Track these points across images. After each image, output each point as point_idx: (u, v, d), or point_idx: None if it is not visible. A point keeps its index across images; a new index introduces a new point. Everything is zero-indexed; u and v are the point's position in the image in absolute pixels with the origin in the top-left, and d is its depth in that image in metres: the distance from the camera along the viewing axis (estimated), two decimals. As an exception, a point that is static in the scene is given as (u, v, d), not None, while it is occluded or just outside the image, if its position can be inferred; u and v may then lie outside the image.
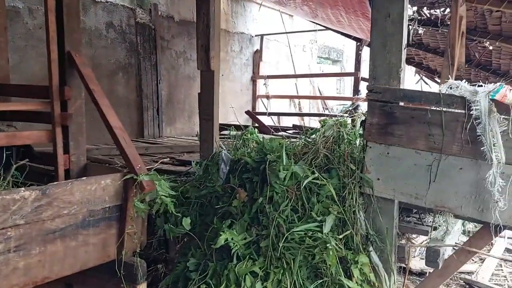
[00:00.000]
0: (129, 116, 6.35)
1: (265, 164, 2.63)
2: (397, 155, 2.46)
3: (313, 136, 2.84)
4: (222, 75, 5.95)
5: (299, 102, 10.00)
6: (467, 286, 4.26)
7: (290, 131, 6.95)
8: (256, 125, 7.23)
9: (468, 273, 4.53)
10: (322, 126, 2.82)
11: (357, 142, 2.72)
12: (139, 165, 2.53)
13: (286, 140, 3.03)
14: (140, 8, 6.34)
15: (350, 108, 7.52)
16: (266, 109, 8.91)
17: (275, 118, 8.97)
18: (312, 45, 10.63)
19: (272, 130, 6.66)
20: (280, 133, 6.68)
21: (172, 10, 6.89)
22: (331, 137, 2.73)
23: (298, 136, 5.86)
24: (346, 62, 12.00)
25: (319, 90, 10.51)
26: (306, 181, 2.45)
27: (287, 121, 8.84)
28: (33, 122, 3.10)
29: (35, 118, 3.02)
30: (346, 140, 2.70)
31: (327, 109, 10.34)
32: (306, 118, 9.41)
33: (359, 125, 2.72)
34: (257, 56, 9.01)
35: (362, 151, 2.60)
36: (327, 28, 7.76)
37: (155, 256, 3.73)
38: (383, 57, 2.50)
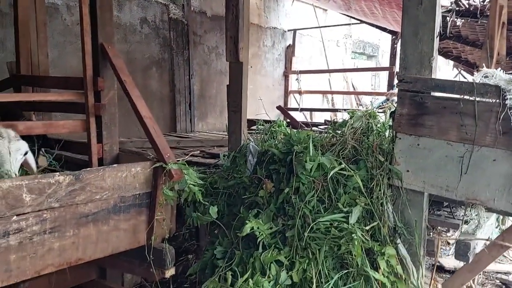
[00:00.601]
0: (162, 110, 6.48)
1: (292, 155, 2.63)
2: (427, 146, 2.40)
3: (342, 128, 2.81)
4: (251, 66, 5.96)
5: (332, 97, 9.91)
6: (504, 286, 4.11)
7: (322, 127, 6.89)
8: (288, 120, 7.22)
9: (505, 273, 4.37)
10: (350, 117, 2.79)
11: (386, 133, 2.67)
12: (168, 154, 2.58)
13: (314, 132, 3.02)
14: (173, 4, 6.44)
15: (384, 104, 7.38)
16: (298, 105, 8.87)
17: (307, 113, 8.91)
18: (346, 40, 10.49)
19: (303, 125, 6.62)
20: (313, 128, 6.63)
21: (204, 6, 6.97)
22: (360, 129, 2.70)
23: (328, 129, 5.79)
24: (382, 57, 11.76)
25: (353, 85, 10.37)
26: (332, 172, 2.43)
27: (319, 117, 8.77)
28: (68, 112, 3.22)
29: (70, 109, 3.13)
30: (375, 131, 2.66)
31: (361, 104, 10.18)
32: (339, 113, 9.30)
33: (389, 116, 2.67)
34: (290, 51, 8.97)
35: (391, 143, 2.55)
36: (361, 22, 7.63)
37: (186, 246, 3.81)
38: (414, 46, 2.44)
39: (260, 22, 8.23)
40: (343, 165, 2.46)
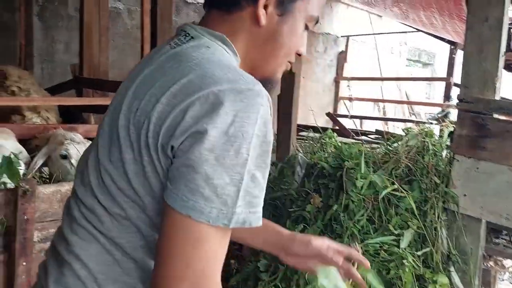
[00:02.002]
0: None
1: (342, 170, 2.58)
2: (487, 171, 2.28)
3: (395, 144, 2.72)
4: (303, 77, 5.94)
5: (383, 105, 9.67)
6: None
7: (372, 136, 6.73)
8: (337, 127, 7.11)
9: None
10: (405, 135, 2.70)
11: (443, 154, 2.56)
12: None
13: (366, 147, 2.95)
14: (228, 9, 6.53)
15: (439, 116, 7.11)
16: (348, 112, 8.72)
17: (357, 121, 8.75)
18: (401, 47, 10.21)
19: (352, 134, 6.50)
20: (361, 137, 6.50)
21: (259, 11, 7.00)
22: (415, 147, 2.60)
23: (380, 142, 5.66)
24: (438, 66, 11.34)
25: (406, 94, 10.07)
26: (384, 192, 2.36)
27: (370, 125, 8.59)
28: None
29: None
30: (431, 151, 2.56)
31: (413, 114, 9.87)
32: (390, 123, 9.05)
33: (447, 135, 2.56)
34: (342, 57, 8.85)
35: (448, 164, 2.44)
36: (418, 30, 7.39)
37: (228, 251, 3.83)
38: (478, 64, 2.33)
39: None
40: (395, 186, 2.39)
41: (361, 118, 8.63)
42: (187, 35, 0.90)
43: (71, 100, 3.20)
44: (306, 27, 0.99)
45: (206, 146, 0.73)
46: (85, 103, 3.23)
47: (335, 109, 8.83)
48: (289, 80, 3.28)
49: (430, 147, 2.58)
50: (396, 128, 9.28)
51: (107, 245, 0.87)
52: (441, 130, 2.73)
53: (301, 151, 3.18)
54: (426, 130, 2.65)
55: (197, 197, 0.73)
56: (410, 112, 9.81)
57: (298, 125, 3.76)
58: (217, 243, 0.77)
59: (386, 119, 9.02)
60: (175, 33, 0.95)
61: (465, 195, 2.35)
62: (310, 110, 4.72)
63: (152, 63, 0.89)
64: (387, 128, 9.06)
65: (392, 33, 8.89)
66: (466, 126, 2.36)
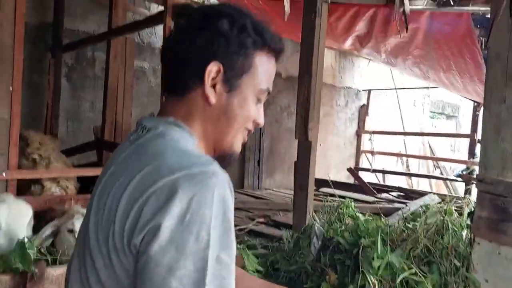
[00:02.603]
0: (232, 167, 6.60)
1: (359, 248, 2.51)
2: (509, 257, 2.17)
3: (414, 222, 2.65)
4: (320, 145, 5.93)
5: (407, 159, 9.52)
6: None
7: (394, 193, 6.60)
8: (357, 182, 7.02)
9: None
10: (424, 212, 2.63)
11: (463, 234, 2.47)
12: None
13: (383, 221, 2.87)
14: (249, 67, 6.68)
15: (464, 172, 6.95)
16: (370, 165, 8.62)
17: (379, 175, 8.62)
18: (424, 100, 10.16)
19: (374, 191, 6.40)
20: (383, 195, 6.39)
21: (279, 68, 7.08)
22: (434, 225, 2.52)
23: (402, 201, 5.52)
24: (463, 117, 11.19)
25: (430, 147, 9.91)
26: (402, 276, 2.27)
27: (392, 179, 8.44)
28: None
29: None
30: (450, 230, 2.47)
31: (438, 167, 9.67)
32: (414, 177, 8.88)
33: (467, 215, 2.48)
34: (363, 110, 8.85)
35: (469, 246, 2.35)
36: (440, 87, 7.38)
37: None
38: (496, 145, 2.27)
39: (334, 82, 8.25)
40: (413, 270, 2.29)
41: (384, 172, 8.50)
42: (144, 127, 0.92)
43: (89, 171, 3.26)
44: (259, 100, 1.00)
45: (164, 238, 0.72)
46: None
47: (356, 162, 8.74)
48: (305, 148, 3.29)
49: (450, 226, 2.49)
50: (421, 182, 9.08)
51: None
52: (460, 208, 2.65)
53: (318, 221, 3.12)
54: (445, 208, 2.57)
55: None
56: (434, 165, 9.62)
57: (317, 179, 3.74)
58: None
59: (409, 175, 8.85)
60: (135, 127, 0.99)
61: (486, 280, 2.23)
62: (328, 177, 4.70)
63: (115, 161, 0.92)
64: (411, 182, 8.87)
65: (414, 88, 8.88)
66: (486, 207, 2.28)
